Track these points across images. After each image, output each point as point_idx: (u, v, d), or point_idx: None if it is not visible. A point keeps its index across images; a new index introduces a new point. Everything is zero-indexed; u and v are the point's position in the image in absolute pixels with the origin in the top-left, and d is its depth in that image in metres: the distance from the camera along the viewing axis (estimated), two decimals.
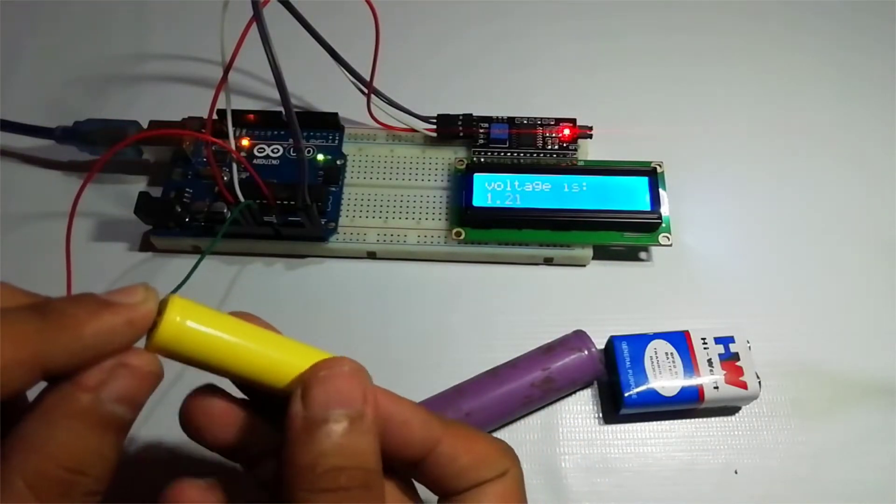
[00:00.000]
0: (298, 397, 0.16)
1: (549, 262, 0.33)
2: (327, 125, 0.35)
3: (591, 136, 0.34)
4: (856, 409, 0.30)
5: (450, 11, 0.41)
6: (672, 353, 0.29)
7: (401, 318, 0.32)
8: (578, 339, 0.29)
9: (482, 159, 0.34)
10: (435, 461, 0.18)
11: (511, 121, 0.34)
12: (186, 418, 0.18)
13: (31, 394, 0.16)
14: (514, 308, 0.32)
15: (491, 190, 0.32)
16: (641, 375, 0.28)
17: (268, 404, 0.18)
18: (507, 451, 0.20)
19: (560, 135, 0.34)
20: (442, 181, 0.34)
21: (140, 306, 0.16)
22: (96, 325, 0.15)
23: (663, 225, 0.32)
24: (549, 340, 0.29)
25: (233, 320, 0.17)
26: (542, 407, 0.29)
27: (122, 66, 0.39)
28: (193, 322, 0.16)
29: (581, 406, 0.30)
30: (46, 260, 0.29)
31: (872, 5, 0.41)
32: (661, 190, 0.32)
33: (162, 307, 0.16)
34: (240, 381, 0.18)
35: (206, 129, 0.27)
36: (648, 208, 0.32)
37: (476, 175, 0.33)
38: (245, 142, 0.34)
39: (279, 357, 0.17)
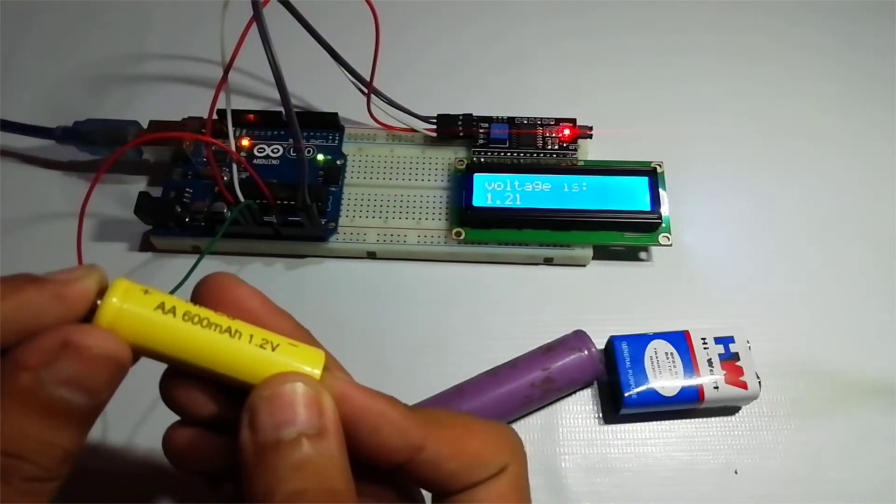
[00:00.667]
0: (245, 424, 0.15)
1: (549, 262, 0.33)
2: (327, 125, 0.35)
3: (591, 136, 0.34)
4: (856, 409, 0.30)
5: (450, 11, 0.41)
6: (672, 353, 0.29)
7: (401, 318, 0.32)
8: (578, 339, 0.29)
9: (482, 159, 0.34)
10: (418, 467, 0.17)
11: (511, 121, 0.34)
12: (166, 451, 0.18)
13: None
14: (514, 308, 0.32)
15: (491, 190, 0.32)
16: (641, 375, 0.28)
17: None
18: (506, 444, 0.18)
19: (560, 135, 0.34)
20: (442, 181, 0.34)
21: (74, 283, 0.15)
22: (17, 299, 0.14)
23: (663, 225, 0.32)
24: (549, 340, 0.29)
25: (190, 308, 0.16)
26: (542, 407, 0.29)
27: (122, 66, 0.39)
28: (136, 307, 0.15)
29: (581, 406, 0.30)
30: (47, 260, 0.29)
31: (873, 4, 0.41)
32: (661, 190, 0.32)
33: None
34: (198, 375, 0.16)
35: (206, 129, 0.27)
36: (648, 208, 0.32)
37: (476, 175, 0.33)
38: (245, 142, 0.34)
39: (233, 356, 0.16)
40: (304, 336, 0.18)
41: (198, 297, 0.17)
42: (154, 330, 0.15)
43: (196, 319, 0.16)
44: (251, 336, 0.16)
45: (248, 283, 0.18)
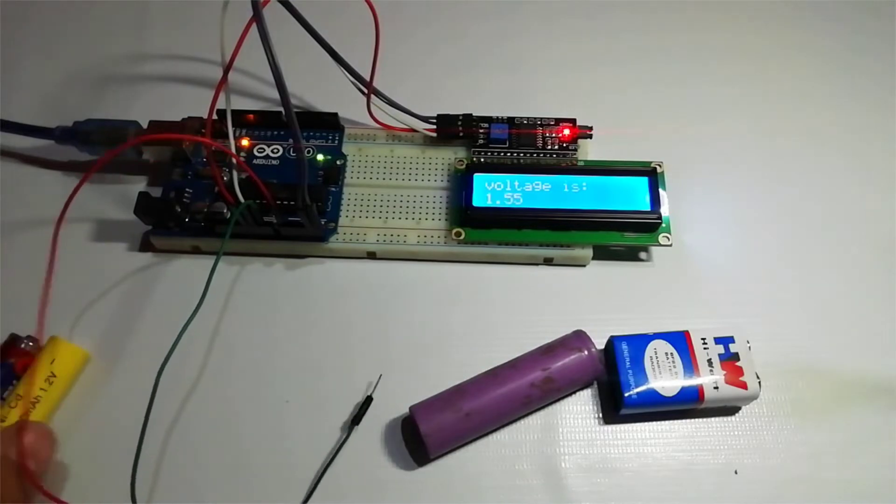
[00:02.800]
0: None
1: (549, 262, 0.33)
2: (327, 125, 0.35)
3: (591, 136, 0.34)
4: (856, 409, 0.30)
5: (450, 11, 0.41)
6: (672, 353, 0.29)
7: (401, 319, 0.32)
8: (578, 339, 0.29)
9: (482, 159, 0.34)
10: None
11: (511, 121, 0.34)
12: None
13: None
14: (514, 308, 0.32)
15: (491, 190, 0.32)
16: (641, 375, 0.28)
17: None
18: None
19: (560, 135, 0.34)
20: (442, 181, 0.34)
21: None
22: None
23: (663, 225, 0.32)
24: (549, 340, 0.30)
25: None
26: (542, 407, 0.29)
27: (122, 66, 0.39)
28: None
29: (581, 406, 0.30)
30: (45, 260, 0.29)
31: (873, 5, 0.41)
32: (661, 190, 0.32)
33: None
34: None
35: (206, 129, 0.27)
36: (648, 208, 0.32)
37: (476, 175, 0.33)
38: (245, 142, 0.34)
39: None
40: None
41: None
42: None
43: None
44: None
45: None
